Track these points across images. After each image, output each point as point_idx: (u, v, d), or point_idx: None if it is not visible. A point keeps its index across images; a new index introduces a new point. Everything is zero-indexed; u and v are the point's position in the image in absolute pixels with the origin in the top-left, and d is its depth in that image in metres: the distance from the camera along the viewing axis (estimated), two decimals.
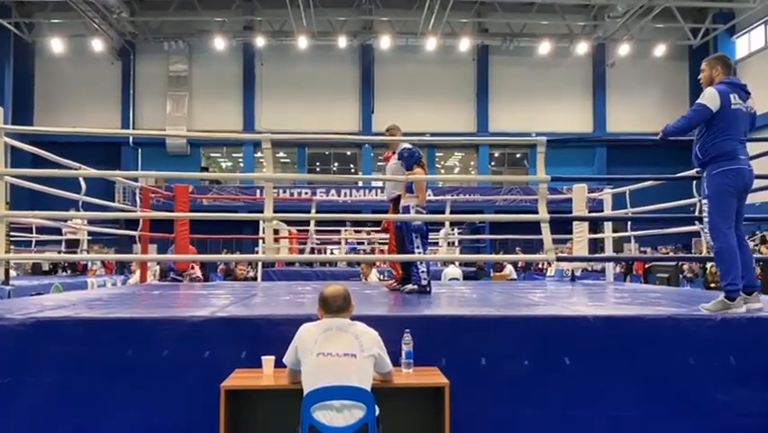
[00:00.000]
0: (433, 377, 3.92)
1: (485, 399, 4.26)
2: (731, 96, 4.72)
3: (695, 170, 6.31)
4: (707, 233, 4.84)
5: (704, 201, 4.83)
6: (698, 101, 4.78)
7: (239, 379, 3.89)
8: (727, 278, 4.68)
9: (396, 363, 3.86)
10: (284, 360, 3.72)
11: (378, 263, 12.96)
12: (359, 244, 18.82)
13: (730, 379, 4.34)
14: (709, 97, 4.72)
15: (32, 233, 15.53)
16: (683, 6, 29.20)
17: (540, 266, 19.86)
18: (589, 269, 18.66)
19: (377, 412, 3.48)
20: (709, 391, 4.33)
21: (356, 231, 18.17)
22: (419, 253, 6.83)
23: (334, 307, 3.72)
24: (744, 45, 30.27)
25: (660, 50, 31.66)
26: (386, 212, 7.93)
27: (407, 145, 7.08)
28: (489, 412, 4.27)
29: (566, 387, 4.32)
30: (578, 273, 11.90)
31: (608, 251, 10.66)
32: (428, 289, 6.87)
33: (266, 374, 3.93)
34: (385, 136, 7.47)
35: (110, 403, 4.18)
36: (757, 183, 5.28)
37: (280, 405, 3.82)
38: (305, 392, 3.48)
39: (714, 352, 4.39)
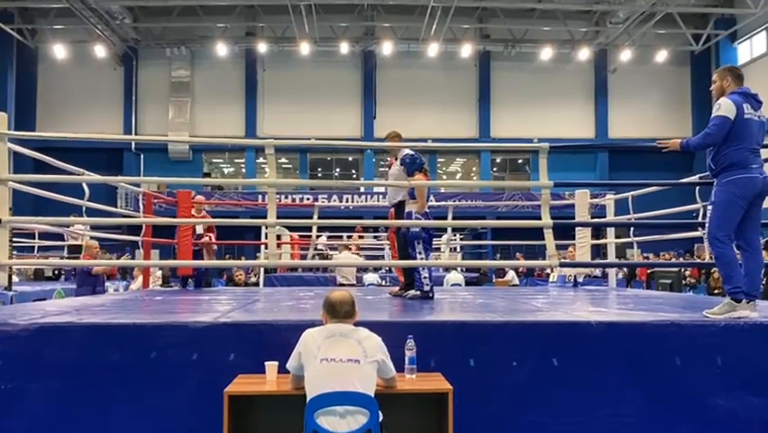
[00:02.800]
0: (436, 383, 3.91)
1: (488, 405, 4.26)
2: (744, 105, 4.76)
3: (697, 175, 6.32)
4: (705, 238, 4.89)
5: (709, 208, 4.87)
6: (716, 114, 4.77)
7: (242, 384, 3.88)
8: (730, 282, 4.77)
9: (399, 368, 3.85)
10: (287, 366, 3.72)
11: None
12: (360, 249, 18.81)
13: (733, 385, 4.33)
14: (726, 108, 4.74)
15: (34, 238, 15.53)
16: (685, 12, 29.18)
17: (547, 271, 19.83)
18: (592, 275, 18.63)
19: (380, 418, 3.48)
20: (713, 397, 4.32)
21: (360, 237, 18.14)
22: (421, 258, 6.84)
23: (342, 312, 3.72)
24: (745, 51, 30.25)
25: (661, 55, 31.65)
26: (386, 218, 7.95)
27: (410, 151, 7.09)
28: (492, 418, 4.26)
29: (570, 393, 4.31)
30: (580, 279, 11.89)
31: (611, 256, 10.65)
32: (431, 294, 6.87)
33: (269, 380, 3.93)
34: (386, 143, 7.48)
35: (113, 409, 4.18)
36: None
37: (284, 411, 3.81)
38: (308, 398, 3.47)
39: (717, 358, 4.38)
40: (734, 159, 4.74)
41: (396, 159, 7.37)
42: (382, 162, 30.62)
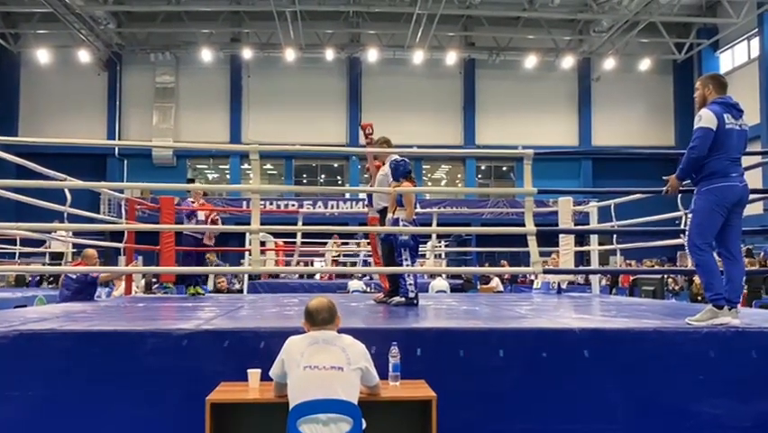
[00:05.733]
0: (420, 390, 3.90)
1: (472, 412, 4.25)
2: (725, 115, 4.76)
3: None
4: (686, 246, 4.92)
5: (689, 216, 4.88)
6: (698, 126, 4.77)
7: (224, 392, 3.86)
8: (711, 289, 4.78)
9: (383, 375, 3.84)
10: (270, 373, 3.70)
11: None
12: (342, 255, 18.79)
13: (716, 392, 4.36)
14: (707, 119, 4.74)
15: (15, 245, 15.39)
16: (668, 21, 29.47)
17: (531, 278, 19.85)
18: (576, 282, 18.71)
19: (363, 426, 3.46)
20: (695, 403, 4.34)
21: (343, 243, 18.12)
22: (407, 265, 6.83)
23: (319, 319, 3.70)
24: (727, 60, 30.60)
25: (645, 64, 31.92)
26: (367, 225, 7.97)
27: (397, 157, 7.10)
28: (476, 426, 4.26)
29: (553, 400, 4.32)
30: (564, 286, 11.91)
31: (594, 264, 10.70)
32: (416, 301, 6.86)
33: (252, 388, 3.90)
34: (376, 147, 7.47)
35: (94, 417, 4.14)
36: None
37: (266, 419, 3.78)
38: (291, 406, 3.45)
39: (699, 365, 4.41)
40: (714, 168, 4.76)
41: (383, 164, 7.38)
42: (367, 167, 30.59)
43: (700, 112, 4.84)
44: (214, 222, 9.97)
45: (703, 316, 4.71)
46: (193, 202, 9.76)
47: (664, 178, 5.24)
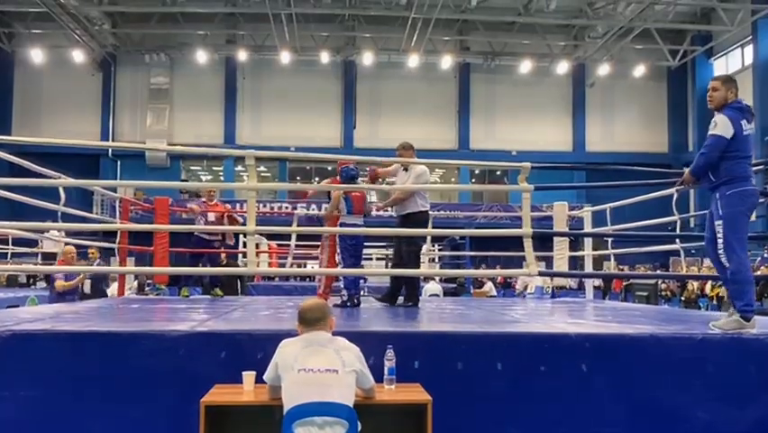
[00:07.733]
0: (415, 394, 3.88)
1: (468, 416, 4.24)
2: (741, 121, 4.71)
3: (675, 188, 6.35)
4: (721, 253, 4.72)
5: (718, 223, 4.74)
6: (712, 132, 4.70)
7: (219, 395, 3.83)
8: (744, 299, 4.67)
9: (378, 379, 3.82)
10: (264, 377, 3.68)
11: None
12: None
13: (711, 398, 4.35)
14: (723, 127, 4.66)
15: (8, 244, 15.31)
16: (662, 28, 29.59)
17: (518, 287, 19.81)
18: (568, 286, 18.73)
19: (359, 429, 3.44)
20: (691, 409, 4.34)
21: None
22: (340, 266, 7.18)
23: (312, 319, 3.68)
24: (721, 67, 30.69)
25: (639, 70, 32.01)
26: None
27: (351, 165, 7.30)
28: (471, 430, 4.24)
29: (549, 405, 4.31)
30: (553, 288, 11.90)
31: (588, 269, 10.67)
32: (349, 304, 7.05)
33: (246, 390, 3.88)
34: (396, 154, 7.59)
35: (87, 418, 4.10)
36: None
37: (261, 422, 3.76)
38: (285, 409, 3.43)
39: (695, 370, 4.40)
40: (736, 172, 4.67)
41: (405, 170, 7.42)
42: (362, 172, 30.54)
43: (716, 118, 4.74)
44: (232, 220, 9.79)
45: (728, 324, 4.63)
46: (205, 202, 9.67)
47: (679, 182, 5.17)
